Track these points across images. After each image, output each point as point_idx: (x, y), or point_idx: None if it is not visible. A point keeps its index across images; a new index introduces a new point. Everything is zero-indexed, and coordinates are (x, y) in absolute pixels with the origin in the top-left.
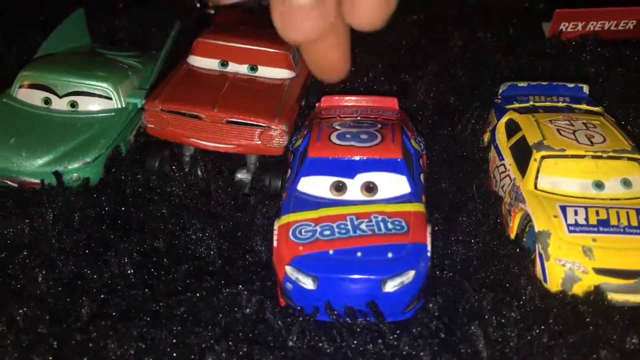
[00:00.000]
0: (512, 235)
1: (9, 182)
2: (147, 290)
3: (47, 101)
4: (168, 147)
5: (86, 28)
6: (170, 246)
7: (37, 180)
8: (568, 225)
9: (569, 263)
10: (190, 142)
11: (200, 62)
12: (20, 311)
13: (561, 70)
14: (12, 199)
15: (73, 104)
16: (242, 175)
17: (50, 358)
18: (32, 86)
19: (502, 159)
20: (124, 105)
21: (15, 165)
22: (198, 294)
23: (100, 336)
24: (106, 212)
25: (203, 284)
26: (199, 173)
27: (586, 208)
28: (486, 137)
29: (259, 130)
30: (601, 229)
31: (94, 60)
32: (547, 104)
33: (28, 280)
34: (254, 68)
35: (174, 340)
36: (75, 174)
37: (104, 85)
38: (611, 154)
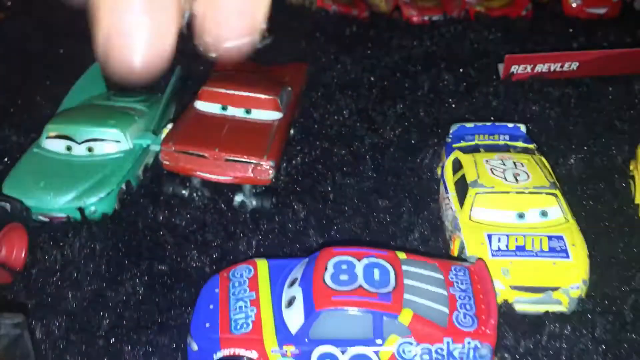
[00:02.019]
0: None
1: (42, 218)
2: (154, 305)
3: (68, 148)
4: (178, 177)
5: (101, 78)
6: (173, 269)
7: (64, 215)
8: (492, 251)
9: None
10: (197, 175)
11: (205, 106)
12: (56, 322)
13: (510, 109)
14: (46, 231)
15: (90, 149)
16: (239, 199)
17: (79, 358)
18: (57, 137)
19: (447, 192)
20: (131, 147)
21: (45, 203)
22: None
23: (117, 341)
24: (122, 242)
25: None
26: (200, 203)
27: (508, 236)
28: (439, 171)
29: (251, 165)
30: (518, 253)
31: (106, 109)
32: (489, 142)
33: (60, 298)
34: (248, 111)
35: (174, 345)
36: (92, 207)
37: (115, 131)
38: (532, 190)
